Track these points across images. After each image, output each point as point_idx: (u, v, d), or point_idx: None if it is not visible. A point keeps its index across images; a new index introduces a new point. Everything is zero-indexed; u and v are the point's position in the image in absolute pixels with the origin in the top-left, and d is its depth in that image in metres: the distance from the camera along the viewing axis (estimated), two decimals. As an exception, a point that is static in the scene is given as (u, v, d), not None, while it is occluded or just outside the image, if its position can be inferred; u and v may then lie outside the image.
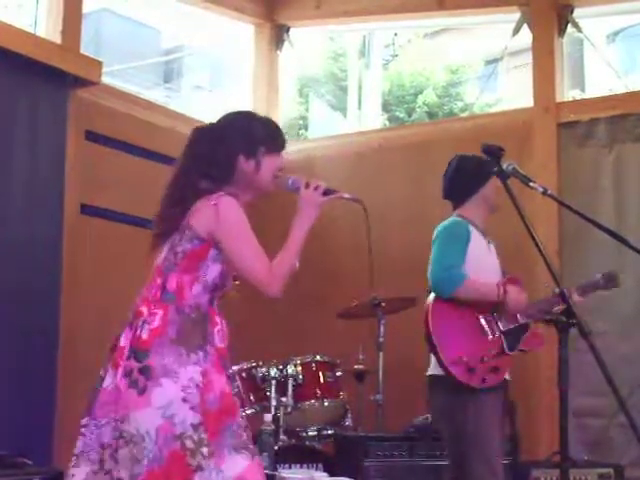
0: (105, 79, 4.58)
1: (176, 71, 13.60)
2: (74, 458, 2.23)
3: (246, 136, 2.41)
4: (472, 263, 3.24)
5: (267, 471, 3.51)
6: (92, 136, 4.50)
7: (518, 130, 4.77)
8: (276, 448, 3.70)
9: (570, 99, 5.23)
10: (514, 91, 10.10)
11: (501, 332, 3.25)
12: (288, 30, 5.85)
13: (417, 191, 5.17)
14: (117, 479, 2.16)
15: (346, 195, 2.52)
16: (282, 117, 6.53)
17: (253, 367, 4.11)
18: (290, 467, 3.73)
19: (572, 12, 4.86)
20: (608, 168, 4.55)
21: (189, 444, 2.12)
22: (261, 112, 6.16)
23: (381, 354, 4.27)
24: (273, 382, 4.02)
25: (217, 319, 2.33)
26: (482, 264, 3.26)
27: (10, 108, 4.03)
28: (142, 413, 2.14)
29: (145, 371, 2.16)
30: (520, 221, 2.41)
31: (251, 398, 4.06)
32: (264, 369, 4.09)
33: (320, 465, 3.86)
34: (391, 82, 11.75)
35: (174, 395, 2.15)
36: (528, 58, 5.01)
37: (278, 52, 5.88)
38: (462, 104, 11.65)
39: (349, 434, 4.15)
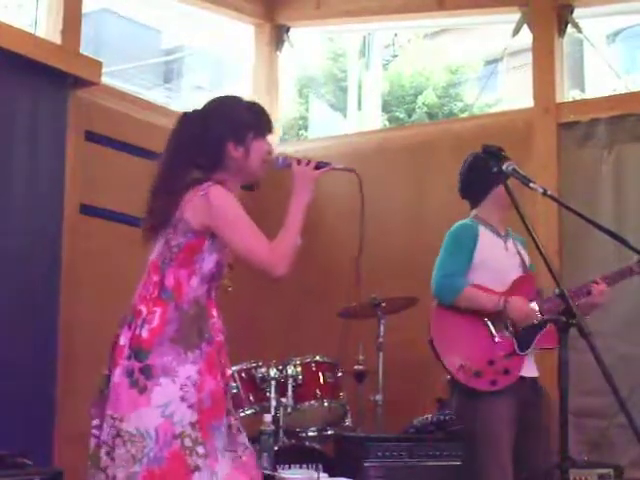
0: (105, 79, 4.57)
1: (176, 71, 13.60)
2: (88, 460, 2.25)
3: (234, 122, 2.39)
4: (480, 265, 3.30)
5: (267, 471, 3.51)
6: (92, 136, 4.50)
7: (518, 130, 4.76)
8: (276, 448, 3.69)
9: (570, 99, 5.23)
10: (514, 91, 10.10)
11: (512, 333, 3.25)
12: (288, 30, 5.84)
13: (417, 191, 5.17)
14: (112, 477, 2.16)
15: (339, 166, 2.54)
16: (282, 117, 6.53)
17: (253, 367, 4.10)
18: (290, 467, 3.73)
19: (572, 12, 4.86)
20: (608, 168, 4.54)
21: (187, 443, 2.13)
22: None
23: (381, 354, 4.27)
24: (273, 382, 4.02)
25: (213, 312, 2.32)
26: (493, 264, 3.31)
27: (10, 108, 4.03)
28: (142, 412, 2.14)
29: (145, 371, 2.16)
30: (520, 221, 2.42)
31: (251, 398, 4.05)
32: (264, 369, 4.09)
33: (320, 466, 3.85)
34: (391, 82, 11.75)
35: (173, 394, 2.15)
36: (528, 58, 5.01)
37: (278, 52, 5.87)
38: (462, 104, 11.66)
39: (349, 434, 4.15)
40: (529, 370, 3.28)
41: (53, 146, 4.21)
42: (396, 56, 12.09)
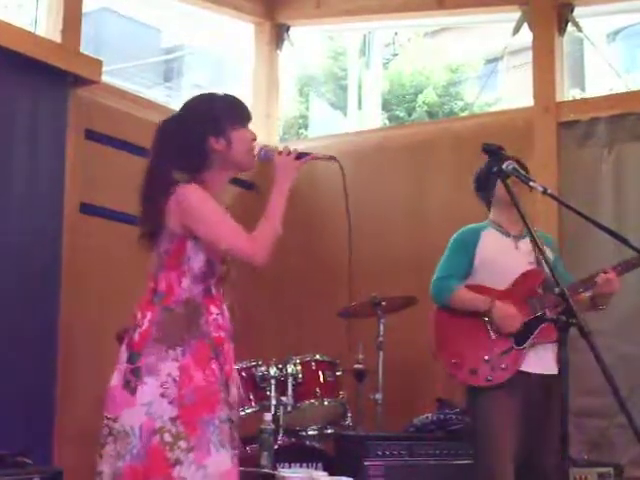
0: (105, 78, 4.57)
1: (176, 70, 13.60)
2: None
3: (210, 116, 2.40)
4: (481, 266, 3.37)
5: (267, 470, 3.51)
6: (92, 135, 4.50)
7: (518, 129, 4.76)
8: (276, 447, 3.70)
9: (570, 98, 5.22)
10: (514, 90, 10.09)
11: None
12: (288, 29, 5.84)
13: (417, 190, 5.17)
14: (99, 473, 2.28)
15: (320, 155, 2.53)
16: (282, 116, 6.53)
17: (253, 366, 4.11)
18: (290, 466, 3.73)
19: (572, 11, 4.86)
20: (608, 168, 4.54)
21: (167, 437, 2.16)
22: (261, 111, 6.17)
23: (381, 353, 4.27)
24: (273, 381, 4.02)
25: (213, 309, 2.33)
26: (495, 264, 3.35)
27: (10, 107, 4.03)
28: (130, 411, 2.20)
29: (135, 372, 2.23)
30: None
31: (251, 397, 4.06)
32: (264, 368, 4.09)
33: (320, 464, 3.86)
34: (391, 81, 11.74)
35: (155, 392, 2.20)
36: (528, 57, 5.01)
37: (278, 51, 5.87)
38: (462, 103, 11.65)
39: (349, 433, 4.15)
40: (534, 366, 3.25)
41: (53, 145, 4.21)
42: (396, 55, 12.08)
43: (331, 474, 3.51)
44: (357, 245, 5.39)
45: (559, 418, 3.15)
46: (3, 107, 4.00)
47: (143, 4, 11.44)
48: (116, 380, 2.27)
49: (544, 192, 2.55)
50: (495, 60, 9.17)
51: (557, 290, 2.29)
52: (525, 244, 3.37)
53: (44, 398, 4.00)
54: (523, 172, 2.53)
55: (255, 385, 4.08)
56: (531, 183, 2.52)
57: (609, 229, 2.67)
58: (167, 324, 2.27)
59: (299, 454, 3.88)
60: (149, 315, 2.29)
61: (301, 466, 3.79)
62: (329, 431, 4.19)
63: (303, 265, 5.23)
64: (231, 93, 2.55)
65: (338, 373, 4.26)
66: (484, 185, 3.47)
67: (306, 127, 11.52)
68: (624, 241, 2.56)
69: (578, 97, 6.50)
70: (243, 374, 4.08)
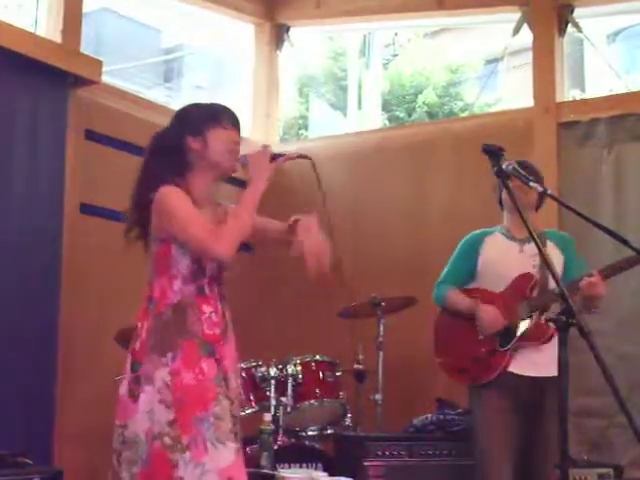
0: (105, 78, 4.57)
1: (176, 71, 13.59)
2: None
3: (189, 118, 2.47)
4: (483, 270, 3.47)
5: (266, 470, 3.51)
6: (92, 135, 4.50)
7: (518, 130, 4.76)
8: (275, 448, 3.70)
9: (570, 99, 5.23)
10: (514, 91, 10.09)
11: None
12: (288, 30, 5.84)
13: (417, 191, 5.17)
14: (120, 478, 2.30)
15: (293, 155, 2.53)
16: (282, 117, 6.53)
17: (253, 367, 4.11)
18: (290, 467, 3.73)
19: (572, 12, 4.86)
20: (608, 168, 4.54)
21: (167, 441, 2.21)
22: (261, 111, 6.17)
23: (381, 354, 4.27)
24: (273, 382, 4.02)
25: (205, 307, 2.35)
26: (496, 268, 3.42)
27: (10, 107, 4.03)
28: (135, 418, 2.27)
29: (137, 380, 2.30)
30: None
31: (251, 398, 4.06)
32: (264, 369, 4.09)
33: (319, 465, 3.86)
34: (391, 82, 11.74)
35: (153, 398, 2.25)
36: (528, 58, 5.01)
37: (278, 52, 5.87)
38: (462, 104, 11.64)
39: (349, 434, 4.15)
40: (523, 368, 3.31)
41: (53, 145, 4.21)
42: (396, 55, 12.08)
43: (331, 474, 3.51)
44: (357, 245, 5.43)
45: (556, 420, 3.19)
46: (3, 107, 4.00)
47: (143, 4, 11.43)
48: (123, 389, 2.33)
49: (544, 192, 2.55)
50: (495, 61, 9.17)
51: (557, 290, 2.29)
52: (531, 247, 3.39)
53: (44, 398, 4.00)
54: (524, 172, 2.53)
55: (255, 385, 4.08)
56: (531, 183, 2.52)
57: (609, 229, 2.67)
58: (158, 331, 2.32)
59: (299, 454, 3.88)
60: (146, 324, 2.35)
61: (301, 466, 3.79)
62: (329, 431, 4.19)
63: (303, 265, 5.22)
64: (224, 102, 2.57)
65: (338, 373, 4.26)
66: (495, 193, 3.54)
67: (306, 127, 11.52)
68: (624, 241, 2.56)
69: (578, 98, 6.50)
70: (243, 374, 4.08)
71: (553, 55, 4.80)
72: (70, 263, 4.24)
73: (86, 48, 4.45)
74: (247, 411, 4.02)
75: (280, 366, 4.09)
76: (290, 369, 4.08)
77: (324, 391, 4.15)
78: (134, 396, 2.28)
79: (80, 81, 4.30)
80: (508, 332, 3.33)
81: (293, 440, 4.03)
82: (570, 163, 4.66)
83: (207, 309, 2.35)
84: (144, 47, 12.54)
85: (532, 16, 4.91)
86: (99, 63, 4.40)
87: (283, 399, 4.02)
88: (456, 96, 11.92)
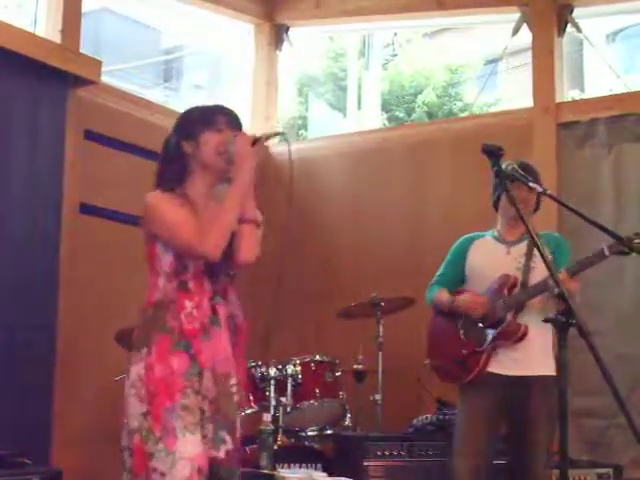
0: (105, 79, 4.57)
1: (176, 71, 13.59)
2: None
3: (184, 123, 2.51)
4: (471, 272, 3.50)
5: (266, 471, 3.51)
6: (91, 135, 4.49)
7: (518, 130, 4.76)
8: (275, 448, 3.70)
9: (570, 99, 5.22)
10: (514, 91, 10.10)
11: (470, 330, 3.40)
12: (288, 30, 5.84)
13: (417, 191, 5.17)
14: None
15: (270, 133, 2.55)
16: (281, 117, 6.53)
17: (252, 367, 4.11)
18: (289, 467, 3.73)
19: (572, 12, 4.86)
20: (608, 168, 4.54)
21: (144, 433, 2.28)
22: (261, 112, 6.17)
23: (380, 354, 4.27)
24: (272, 382, 4.02)
25: (187, 303, 2.37)
26: (482, 270, 3.45)
27: (9, 108, 4.03)
28: (127, 414, 2.34)
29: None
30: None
31: (250, 398, 4.06)
32: (263, 369, 4.09)
33: (319, 465, 3.86)
34: (391, 82, 11.74)
35: (129, 394, 2.33)
36: (528, 58, 5.01)
37: (278, 52, 5.87)
38: (462, 104, 11.65)
39: (348, 434, 4.15)
40: (504, 368, 3.32)
41: (53, 145, 4.20)
42: (396, 55, 12.07)
43: (330, 475, 3.51)
44: (357, 245, 5.43)
45: (543, 425, 3.21)
46: (2, 107, 4.00)
47: (142, 4, 11.41)
48: (126, 388, 2.38)
49: (543, 193, 2.55)
50: (495, 61, 9.15)
51: (556, 291, 2.29)
52: (518, 249, 3.41)
53: (43, 398, 4.00)
54: (523, 173, 2.53)
55: (255, 386, 4.08)
56: (530, 184, 2.52)
57: (609, 230, 2.67)
58: (139, 328, 2.39)
59: (299, 455, 3.88)
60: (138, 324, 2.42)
61: (300, 467, 3.78)
62: (329, 432, 4.19)
63: (303, 265, 5.23)
64: (223, 103, 2.59)
65: (338, 373, 4.27)
66: (493, 194, 3.55)
67: (305, 128, 11.52)
68: (623, 242, 2.56)
69: (577, 98, 6.50)
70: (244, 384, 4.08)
71: (552, 55, 4.79)
72: (70, 263, 4.23)
73: (85, 48, 4.45)
74: (247, 411, 4.02)
75: (280, 366, 4.09)
76: (290, 369, 4.08)
77: (324, 391, 4.15)
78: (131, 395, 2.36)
79: (79, 81, 4.29)
80: (482, 332, 3.35)
81: (293, 440, 4.04)
82: (570, 163, 4.66)
83: (189, 304, 2.37)
84: (144, 47, 12.54)
85: (531, 16, 4.91)
86: (98, 63, 4.40)
87: (283, 399, 4.02)
88: (456, 96, 11.92)
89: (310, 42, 9.48)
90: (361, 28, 6.71)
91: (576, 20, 4.88)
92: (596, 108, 4.69)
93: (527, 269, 3.36)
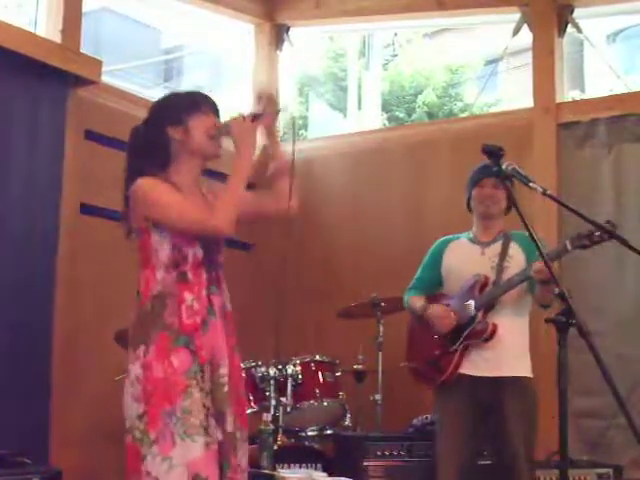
0: (105, 78, 4.57)
1: (176, 70, 13.60)
2: None
3: (168, 108, 2.47)
4: (447, 275, 3.52)
5: (266, 471, 3.51)
6: (91, 135, 4.49)
7: (518, 130, 4.76)
8: (275, 448, 3.70)
9: (570, 99, 5.22)
10: (514, 91, 10.09)
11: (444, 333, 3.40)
12: (288, 30, 5.84)
13: (417, 191, 5.17)
14: None
15: (272, 112, 2.54)
16: (282, 117, 6.53)
17: (252, 367, 4.11)
18: (289, 467, 3.73)
19: (572, 12, 4.86)
20: (608, 168, 4.54)
21: (137, 435, 2.23)
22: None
23: (380, 354, 4.27)
24: (272, 382, 4.03)
25: (187, 295, 2.33)
26: (457, 272, 3.46)
27: (10, 107, 4.03)
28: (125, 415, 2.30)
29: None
30: (520, 221, 2.41)
31: (250, 398, 4.05)
32: (263, 369, 4.09)
33: (319, 465, 3.86)
34: (391, 82, 11.73)
35: (126, 393, 2.29)
36: (528, 58, 5.01)
37: (278, 52, 5.87)
38: (462, 104, 11.64)
39: (348, 434, 4.15)
40: (477, 369, 3.33)
41: (53, 145, 4.20)
42: (396, 56, 12.07)
43: (330, 475, 3.51)
44: (357, 245, 5.42)
45: (519, 420, 3.21)
46: (2, 107, 4.00)
47: (143, 4, 11.41)
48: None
49: (544, 193, 2.55)
50: (495, 61, 9.15)
51: (556, 291, 2.29)
52: (492, 249, 3.42)
53: (42, 398, 4.00)
54: (523, 173, 2.53)
55: (255, 386, 4.09)
56: (531, 184, 2.51)
57: (608, 229, 2.67)
58: (136, 325, 2.33)
59: (298, 455, 3.88)
60: (133, 319, 2.36)
61: (300, 467, 3.78)
62: (329, 432, 4.19)
63: (303, 265, 5.23)
64: (196, 90, 2.59)
65: (338, 373, 4.27)
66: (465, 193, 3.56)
67: (306, 128, 11.51)
68: (623, 242, 2.56)
69: (578, 98, 6.50)
70: (243, 375, 4.08)
71: (553, 55, 4.79)
72: (69, 263, 4.24)
73: (86, 48, 4.45)
74: (247, 411, 4.01)
75: (280, 366, 4.09)
76: (290, 369, 4.08)
77: (324, 391, 4.15)
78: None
79: (80, 81, 4.29)
80: (460, 332, 3.35)
81: (293, 440, 4.04)
82: (570, 163, 4.66)
83: (189, 296, 2.33)
84: (144, 47, 12.54)
85: (532, 16, 4.91)
86: (99, 63, 4.40)
87: (283, 399, 4.02)
88: (456, 96, 11.92)
89: (310, 42, 9.48)
90: (361, 28, 6.70)
91: (576, 20, 4.88)
92: (596, 108, 4.69)
93: (500, 268, 3.36)
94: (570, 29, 4.91)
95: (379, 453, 3.78)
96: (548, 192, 2.54)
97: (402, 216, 5.14)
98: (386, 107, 11.20)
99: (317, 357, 4.23)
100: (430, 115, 11.47)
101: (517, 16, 5.00)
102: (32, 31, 4.27)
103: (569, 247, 3.11)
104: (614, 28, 11.32)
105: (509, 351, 3.31)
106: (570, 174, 4.63)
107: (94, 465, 4.03)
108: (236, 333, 2.45)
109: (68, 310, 4.19)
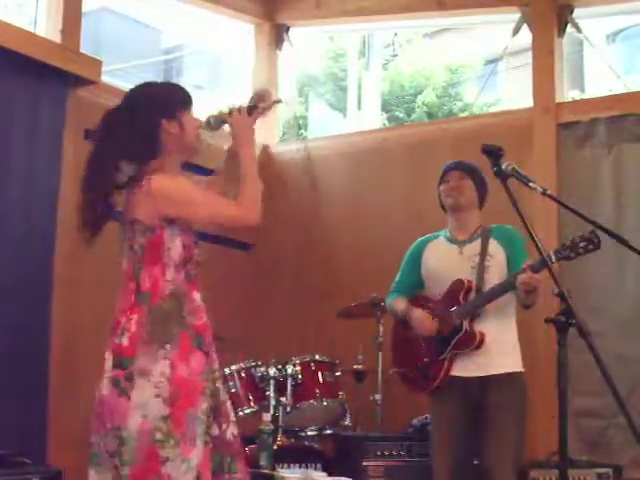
0: (105, 78, 4.56)
1: (176, 70, 13.60)
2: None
3: (161, 100, 2.44)
4: (427, 276, 3.50)
5: (266, 471, 3.51)
6: (91, 135, 4.48)
7: (518, 130, 4.76)
8: (275, 448, 3.70)
9: (570, 99, 5.22)
10: (514, 91, 10.09)
11: (430, 338, 3.37)
12: (288, 30, 5.84)
13: (417, 191, 5.16)
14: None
15: (269, 103, 2.55)
16: (281, 117, 6.53)
17: (252, 367, 4.11)
18: (289, 467, 3.73)
19: (572, 12, 4.86)
20: (608, 168, 4.54)
21: (159, 436, 2.17)
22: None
23: (380, 354, 4.27)
24: (272, 382, 4.02)
25: (195, 294, 2.34)
26: (436, 273, 3.45)
27: (9, 107, 4.02)
28: (129, 417, 2.20)
29: (129, 377, 2.23)
30: (520, 222, 2.41)
31: (250, 398, 4.06)
32: (263, 369, 4.09)
33: (319, 465, 3.86)
34: (391, 82, 11.74)
35: (149, 394, 2.20)
36: (528, 58, 5.00)
37: (278, 52, 5.87)
38: (462, 104, 11.65)
39: (348, 434, 4.15)
40: (468, 370, 3.31)
41: (52, 145, 4.20)
42: (396, 56, 12.08)
43: (330, 475, 3.51)
44: (357, 245, 5.42)
45: (502, 411, 3.20)
46: (3, 107, 3.99)
47: (143, 4, 11.42)
48: (107, 389, 2.27)
49: (543, 193, 2.55)
50: (495, 61, 9.16)
51: (556, 290, 2.29)
52: (470, 248, 3.39)
53: (41, 398, 3.99)
54: (523, 173, 2.53)
55: (254, 385, 4.08)
56: (530, 184, 2.51)
57: (609, 230, 2.67)
58: (156, 323, 2.26)
59: (298, 455, 3.88)
60: (135, 317, 2.27)
61: (300, 467, 3.79)
62: (328, 432, 4.19)
63: (303, 265, 5.23)
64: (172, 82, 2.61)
65: (337, 373, 4.27)
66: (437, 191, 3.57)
67: (306, 128, 11.51)
68: (623, 242, 2.56)
69: (578, 98, 6.50)
70: (242, 374, 4.09)
71: (553, 55, 4.79)
72: (68, 263, 4.23)
73: (85, 48, 4.44)
74: (247, 411, 4.02)
75: (279, 366, 4.09)
76: (289, 369, 4.08)
77: (323, 391, 4.15)
78: (126, 394, 2.22)
79: (79, 81, 4.29)
80: (447, 340, 3.33)
81: (292, 440, 4.03)
82: (570, 163, 4.66)
83: (196, 296, 2.35)
84: (144, 47, 12.54)
85: (532, 16, 4.90)
86: (99, 63, 4.39)
87: (282, 399, 4.02)
88: (456, 96, 11.93)
89: (310, 42, 9.49)
90: (361, 28, 6.71)
91: (576, 20, 4.88)
92: (596, 108, 4.69)
93: (482, 268, 3.33)
94: (570, 29, 4.91)
95: (379, 453, 3.78)
96: (548, 192, 2.54)
97: (402, 216, 5.13)
98: (386, 107, 11.21)
99: (317, 357, 4.23)
100: (430, 115, 11.48)
101: (517, 16, 5.00)
102: (32, 31, 4.27)
103: (553, 259, 3.09)
104: (614, 28, 11.33)
105: (498, 351, 3.29)
106: (570, 174, 4.63)
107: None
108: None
109: (67, 310, 4.18)
